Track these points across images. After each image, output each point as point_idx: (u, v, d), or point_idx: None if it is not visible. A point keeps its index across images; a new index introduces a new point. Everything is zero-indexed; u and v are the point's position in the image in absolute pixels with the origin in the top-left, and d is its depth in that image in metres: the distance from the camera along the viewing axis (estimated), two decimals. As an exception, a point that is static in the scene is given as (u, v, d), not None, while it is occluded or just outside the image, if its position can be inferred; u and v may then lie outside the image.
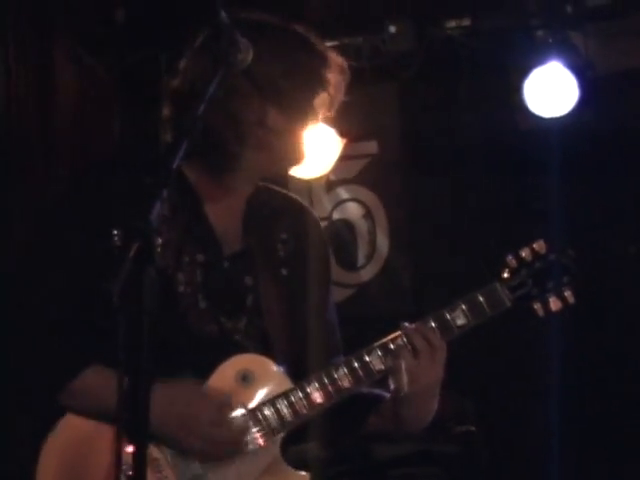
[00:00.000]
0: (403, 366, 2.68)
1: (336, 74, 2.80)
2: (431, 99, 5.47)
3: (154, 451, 2.59)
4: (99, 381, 2.57)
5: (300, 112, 2.74)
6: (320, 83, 2.76)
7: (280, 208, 2.88)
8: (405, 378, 2.68)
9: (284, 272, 2.82)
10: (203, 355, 2.67)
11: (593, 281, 2.83)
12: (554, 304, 2.82)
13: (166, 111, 2.76)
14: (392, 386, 2.73)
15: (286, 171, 2.88)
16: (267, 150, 2.75)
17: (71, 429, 2.64)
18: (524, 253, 2.82)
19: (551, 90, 4.92)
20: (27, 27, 5.07)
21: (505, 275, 2.81)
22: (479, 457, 4.74)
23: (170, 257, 2.68)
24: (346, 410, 2.78)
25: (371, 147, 5.64)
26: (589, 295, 2.88)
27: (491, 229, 5.23)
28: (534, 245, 2.83)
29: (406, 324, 2.74)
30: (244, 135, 2.72)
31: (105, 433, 2.59)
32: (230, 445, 2.65)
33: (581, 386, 5.07)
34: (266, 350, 2.74)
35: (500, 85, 5.11)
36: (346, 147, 5.26)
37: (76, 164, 5.14)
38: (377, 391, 2.81)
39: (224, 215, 2.78)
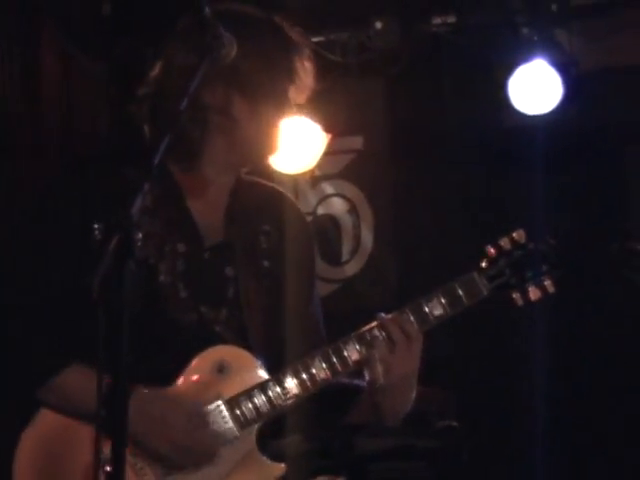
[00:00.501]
0: (377, 356, 2.67)
1: (305, 62, 2.74)
2: (416, 95, 5.47)
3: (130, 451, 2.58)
4: (79, 381, 2.56)
5: (266, 101, 2.70)
6: (286, 70, 2.71)
7: (264, 200, 2.86)
8: (380, 369, 2.66)
9: (266, 264, 2.80)
10: (182, 344, 2.67)
11: (575, 278, 2.83)
12: (533, 293, 2.80)
13: (144, 103, 2.75)
14: (367, 377, 2.71)
15: (256, 162, 2.83)
16: (231, 138, 2.72)
17: (49, 423, 2.64)
18: (503, 242, 2.80)
19: (535, 87, 4.93)
20: (13, 25, 5.04)
21: (483, 265, 2.79)
22: (461, 452, 4.74)
23: (152, 247, 2.67)
24: (326, 401, 2.78)
25: (356, 142, 5.64)
26: (571, 288, 2.87)
27: (475, 226, 5.18)
28: (514, 234, 2.81)
29: (382, 314, 2.73)
30: (205, 121, 2.70)
31: (82, 428, 2.58)
32: (198, 454, 2.64)
33: (566, 376, 5.06)
34: (245, 343, 2.72)
35: (485, 82, 5.10)
36: (331, 142, 5.27)
37: (64, 161, 5.10)
38: (356, 381, 2.79)
39: (206, 208, 2.77)
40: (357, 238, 5.63)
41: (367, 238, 5.62)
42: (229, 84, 2.68)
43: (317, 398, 2.74)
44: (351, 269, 5.62)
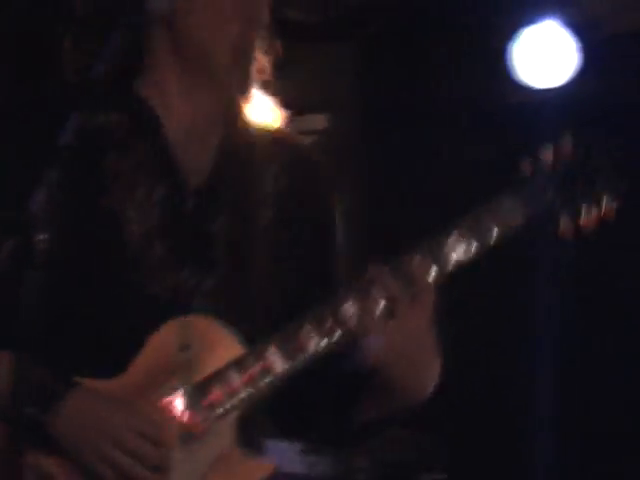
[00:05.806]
0: (373, 313, 2.43)
1: None
2: (396, 64, 5.41)
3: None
4: None
5: None
6: None
7: (271, 138, 2.68)
8: (378, 328, 2.43)
9: (268, 214, 2.60)
10: (148, 318, 2.52)
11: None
12: (586, 217, 2.58)
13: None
14: (364, 344, 2.49)
15: (212, 71, 2.53)
16: (173, 32, 2.51)
17: None
18: (544, 154, 2.60)
19: (545, 55, 4.96)
20: None
21: (517, 184, 2.59)
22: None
23: (119, 191, 2.54)
24: (331, 387, 2.58)
25: (320, 121, 5.58)
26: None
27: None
28: (558, 144, 2.61)
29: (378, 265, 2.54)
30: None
31: None
32: (150, 458, 2.45)
33: (579, 406, 5.03)
34: (232, 317, 2.54)
35: (482, 48, 5.08)
36: (289, 121, 5.07)
37: None
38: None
39: (192, 140, 2.57)
40: (322, 238, 5.53)
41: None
42: None
43: (318, 381, 2.55)
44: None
